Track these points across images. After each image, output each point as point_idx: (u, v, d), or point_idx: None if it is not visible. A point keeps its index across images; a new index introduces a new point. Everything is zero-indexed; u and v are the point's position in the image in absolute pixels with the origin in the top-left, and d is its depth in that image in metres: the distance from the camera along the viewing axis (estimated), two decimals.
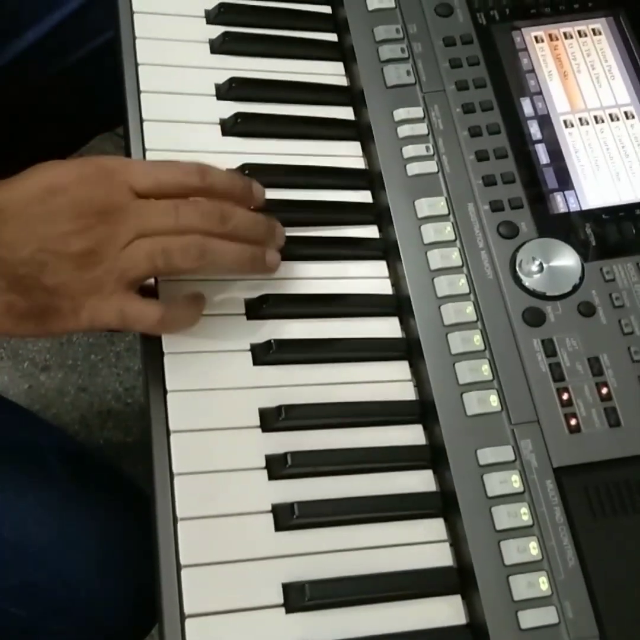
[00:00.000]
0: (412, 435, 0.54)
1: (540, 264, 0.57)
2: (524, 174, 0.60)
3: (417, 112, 0.62)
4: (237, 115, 0.62)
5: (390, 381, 0.56)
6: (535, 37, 0.65)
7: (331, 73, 0.67)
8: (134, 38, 0.63)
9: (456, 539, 0.51)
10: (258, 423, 0.53)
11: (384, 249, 0.60)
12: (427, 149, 0.61)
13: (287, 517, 0.50)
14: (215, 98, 0.63)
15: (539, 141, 0.62)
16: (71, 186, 0.50)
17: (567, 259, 0.57)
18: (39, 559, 0.58)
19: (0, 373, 1.27)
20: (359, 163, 0.63)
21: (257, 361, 0.55)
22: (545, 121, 0.62)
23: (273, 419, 0.53)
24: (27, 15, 0.73)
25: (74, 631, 0.60)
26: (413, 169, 0.61)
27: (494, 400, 0.53)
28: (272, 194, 0.60)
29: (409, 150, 0.61)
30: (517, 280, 0.57)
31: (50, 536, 0.58)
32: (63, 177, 0.51)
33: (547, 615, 0.49)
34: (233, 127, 0.62)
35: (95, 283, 0.50)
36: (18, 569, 0.58)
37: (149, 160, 0.56)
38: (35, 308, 0.49)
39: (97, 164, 0.52)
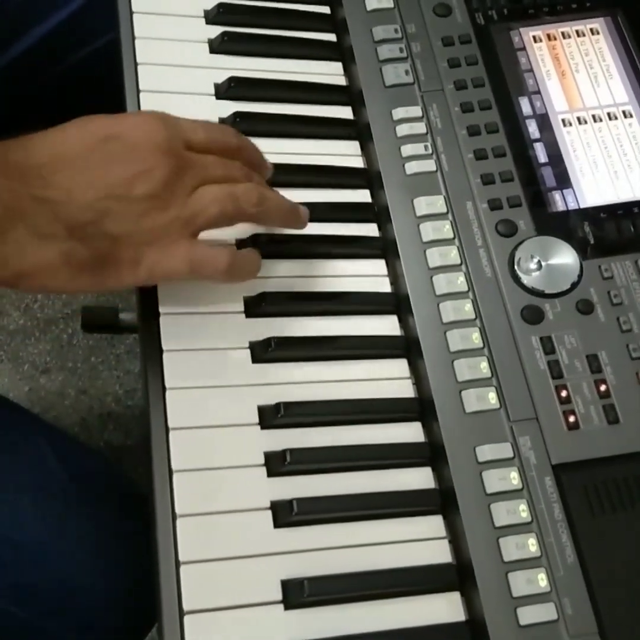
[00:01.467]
0: (411, 432, 0.55)
1: (539, 262, 0.57)
2: (523, 172, 0.60)
3: (416, 111, 0.63)
4: (236, 114, 0.62)
5: (389, 379, 0.56)
6: (534, 37, 0.65)
7: (330, 73, 0.67)
8: (134, 38, 0.64)
9: (455, 536, 0.51)
10: (257, 420, 0.53)
11: (383, 247, 0.61)
12: (426, 147, 0.61)
13: (286, 514, 0.50)
14: (214, 97, 0.64)
15: (537, 140, 0.62)
16: (127, 131, 0.50)
17: (565, 257, 0.57)
18: (38, 558, 0.58)
19: (1, 375, 1.27)
20: (358, 162, 0.64)
21: (256, 359, 0.55)
22: (543, 120, 0.63)
23: (272, 416, 0.53)
24: (28, 16, 0.74)
25: (73, 631, 0.59)
26: (412, 167, 0.61)
27: (492, 398, 0.54)
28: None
29: (407, 149, 0.61)
30: (516, 278, 0.57)
31: (49, 536, 0.58)
32: (116, 124, 0.50)
33: (546, 612, 0.48)
34: (232, 125, 0.62)
35: (160, 231, 0.49)
36: (17, 568, 0.58)
37: (190, 119, 0.56)
38: (96, 258, 0.48)
39: (148, 113, 0.52)
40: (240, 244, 0.58)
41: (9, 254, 0.47)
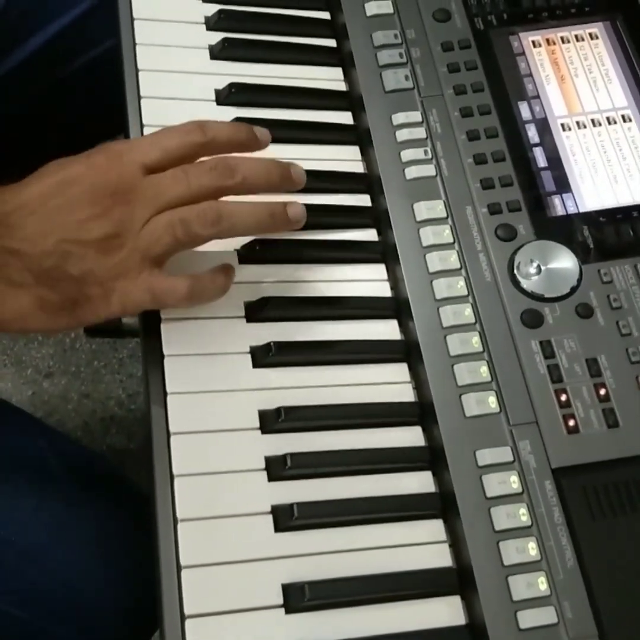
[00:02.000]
0: (411, 436, 0.55)
1: (538, 266, 0.57)
2: (522, 177, 0.60)
3: (416, 116, 0.63)
4: (237, 120, 0.62)
5: (389, 383, 0.56)
6: (533, 42, 0.66)
7: (330, 78, 0.67)
8: (135, 44, 0.64)
9: (455, 540, 0.52)
10: (258, 425, 0.53)
11: (383, 252, 0.61)
12: (426, 152, 0.62)
13: (286, 518, 0.50)
14: (215, 103, 0.64)
15: (536, 145, 0.62)
16: (84, 175, 0.51)
17: (565, 261, 0.58)
18: (41, 562, 0.58)
19: (4, 380, 1.27)
20: (358, 167, 0.64)
21: (256, 363, 0.55)
22: (542, 125, 0.63)
23: (273, 421, 0.53)
24: (31, 22, 0.74)
25: (75, 634, 0.60)
26: (411, 172, 0.61)
27: (492, 402, 0.54)
28: (272, 197, 0.60)
29: (407, 154, 0.62)
30: (515, 283, 0.57)
31: (52, 540, 0.59)
32: (75, 168, 0.52)
33: (546, 615, 0.49)
34: None
35: (121, 266, 0.50)
36: (20, 572, 0.58)
37: (149, 134, 0.57)
38: (66, 300, 0.50)
39: (105, 149, 0.53)
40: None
41: None
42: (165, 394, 0.53)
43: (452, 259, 0.58)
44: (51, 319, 0.51)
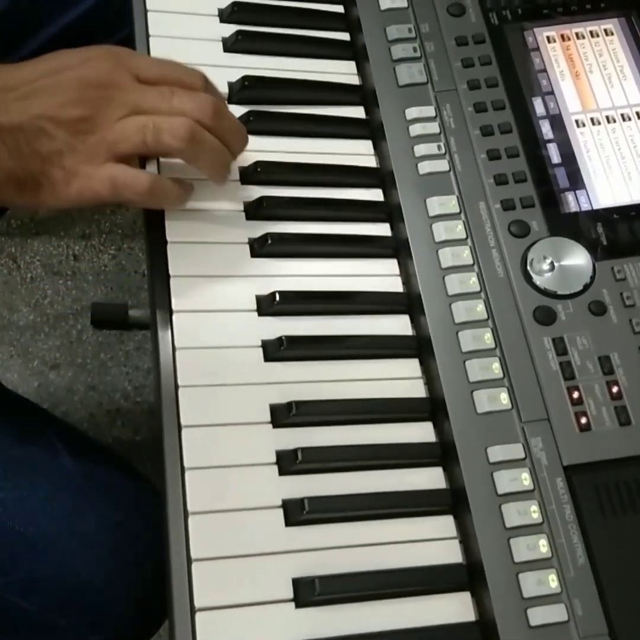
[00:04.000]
0: (422, 432, 0.55)
1: (552, 262, 0.57)
2: (536, 173, 0.60)
3: (429, 111, 0.63)
4: (250, 113, 0.62)
5: (401, 378, 0.56)
6: (548, 37, 0.65)
7: (343, 72, 0.67)
8: (148, 36, 0.64)
9: (466, 536, 0.52)
10: (269, 419, 0.53)
11: (395, 247, 0.61)
12: (439, 147, 0.61)
13: (297, 513, 0.50)
14: (227, 96, 0.64)
15: (550, 141, 0.62)
16: (77, 66, 0.53)
17: (578, 258, 0.57)
18: (50, 553, 0.58)
19: (10, 371, 1.28)
20: (371, 161, 0.64)
21: (268, 357, 0.55)
22: (557, 121, 0.62)
23: (284, 415, 0.53)
24: (42, 13, 0.74)
25: (84, 626, 0.60)
26: (424, 167, 0.61)
27: (504, 398, 0.54)
28: (284, 191, 0.60)
29: (420, 149, 0.61)
30: (528, 279, 0.57)
31: (60, 531, 0.59)
32: (72, 57, 0.54)
33: (556, 613, 0.49)
34: (246, 124, 0.61)
35: (87, 152, 0.52)
36: (29, 563, 0.58)
37: (155, 57, 0.59)
38: (31, 176, 0.52)
39: (106, 48, 0.55)
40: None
41: None
42: (176, 387, 0.53)
43: (464, 255, 0.58)
44: (17, 193, 0.52)
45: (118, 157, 0.52)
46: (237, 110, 0.63)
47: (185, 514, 0.49)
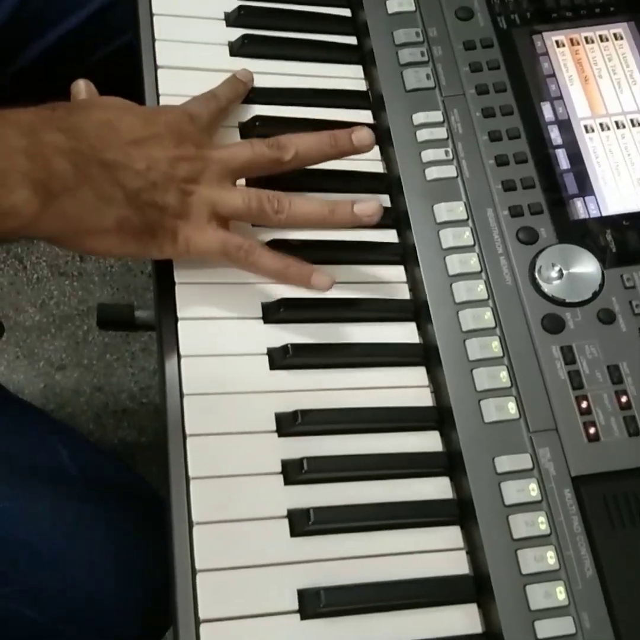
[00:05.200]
0: (429, 441, 0.54)
1: (560, 270, 0.56)
2: (544, 179, 0.60)
3: (437, 116, 0.62)
4: (256, 118, 0.62)
5: (408, 387, 0.56)
6: (556, 42, 0.65)
7: (350, 76, 0.66)
8: (154, 40, 0.63)
9: (473, 547, 0.51)
10: (274, 428, 0.53)
11: (402, 254, 0.60)
12: (446, 153, 0.61)
13: (302, 523, 0.50)
14: None
15: (559, 146, 0.61)
16: (162, 116, 0.55)
17: (587, 266, 0.57)
18: (53, 563, 0.58)
19: (16, 372, 1.28)
20: (378, 167, 0.63)
21: (274, 365, 0.54)
22: (565, 126, 0.62)
23: (289, 424, 0.53)
24: (49, 15, 0.74)
25: (87, 636, 0.59)
26: (432, 173, 0.60)
27: (512, 408, 0.53)
28: None
29: (428, 154, 0.61)
30: (537, 287, 0.56)
31: (64, 540, 0.58)
32: (151, 111, 0.56)
33: (564, 626, 0.48)
34: (252, 130, 0.62)
35: (191, 209, 0.53)
36: (32, 572, 0.58)
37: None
38: (146, 226, 0.52)
39: (171, 107, 0.57)
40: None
41: (73, 212, 0.50)
42: (181, 395, 0.52)
43: (472, 262, 0.57)
44: (123, 242, 0.52)
45: (220, 218, 0.55)
46: (244, 115, 0.62)
47: (190, 524, 0.49)
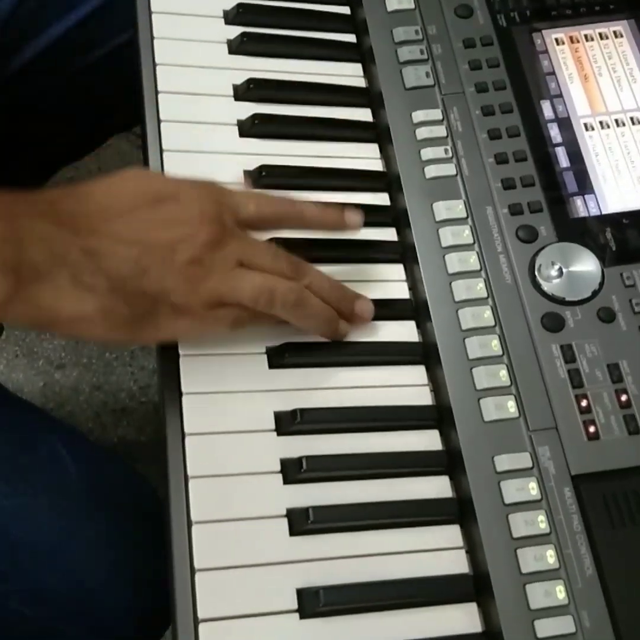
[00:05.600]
0: (428, 440, 0.54)
1: (560, 268, 0.56)
2: (544, 177, 0.60)
3: (436, 114, 0.62)
4: (255, 116, 0.62)
5: (407, 385, 0.56)
6: (556, 40, 0.65)
7: (349, 74, 0.66)
8: (152, 38, 0.63)
9: (472, 546, 0.51)
10: (273, 426, 0.52)
11: (402, 252, 0.60)
12: (446, 151, 0.61)
13: (301, 522, 0.50)
14: (233, 99, 0.63)
15: (559, 144, 0.61)
16: (180, 195, 0.50)
17: (586, 264, 0.57)
18: (52, 562, 0.58)
19: (16, 371, 1.27)
20: (377, 165, 0.63)
21: (272, 364, 0.54)
22: (565, 124, 0.62)
23: (289, 423, 0.52)
24: (47, 14, 0.73)
25: (87, 634, 0.59)
26: (431, 171, 0.60)
27: (511, 406, 0.53)
28: (290, 195, 0.60)
29: (427, 153, 0.61)
30: (536, 285, 0.56)
31: (63, 539, 0.58)
32: (171, 186, 0.51)
33: (564, 625, 0.48)
34: (251, 128, 0.61)
35: (196, 299, 0.49)
36: (31, 571, 0.57)
37: (246, 190, 0.56)
38: (134, 315, 0.48)
39: (207, 182, 0.52)
40: None
41: (47, 299, 0.47)
42: (180, 393, 0.52)
43: (471, 260, 0.57)
44: (110, 330, 0.48)
45: (223, 305, 0.50)
46: (242, 113, 0.62)
47: (189, 523, 0.49)
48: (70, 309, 0.47)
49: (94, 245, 0.47)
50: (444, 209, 0.59)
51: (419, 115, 0.62)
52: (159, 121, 0.60)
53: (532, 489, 0.51)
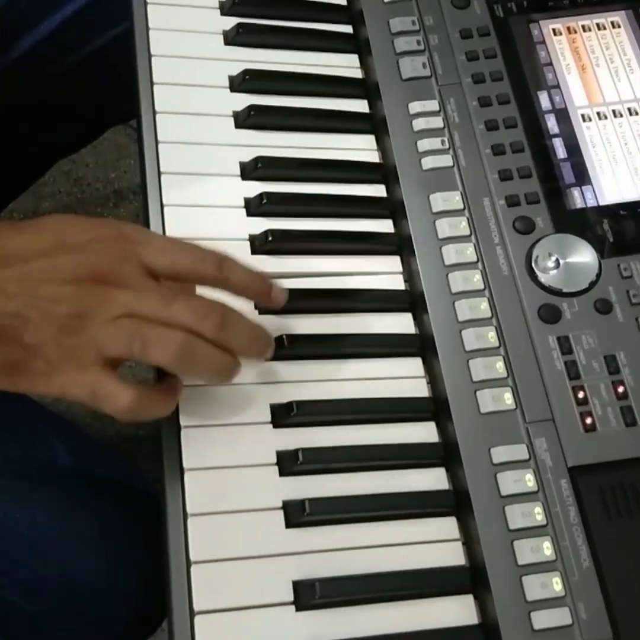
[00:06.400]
0: (424, 432, 0.54)
1: (557, 260, 0.56)
2: (541, 168, 0.59)
3: (433, 105, 0.62)
4: (251, 107, 0.61)
5: (403, 378, 0.55)
6: (553, 30, 0.64)
7: (346, 65, 0.66)
8: (148, 29, 0.63)
9: (469, 538, 0.51)
10: (269, 419, 0.52)
11: (398, 244, 0.60)
12: (443, 142, 0.60)
13: (297, 514, 0.50)
14: (228, 90, 0.63)
15: (556, 135, 0.61)
16: (82, 246, 0.48)
17: (583, 255, 0.57)
18: (48, 554, 0.58)
19: None
20: (374, 156, 0.63)
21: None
22: (562, 115, 0.61)
23: (285, 415, 0.52)
24: (41, 6, 0.73)
25: (82, 628, 0.59)
26: (428, 162, 0.60)
27: (508, 398, 0.53)
28: (285, 187, 0.60)
29: (424, 144, 0.60)
30: (533, 277, 0.56)
31: (59, 532, 0.58)
32: (77, 234, 0.49)
33: (560, 616, 0.48)
34: (246, 119, 0.61)
35: (74, 351, 0.47)
36: (27, 563, 0.57)
37: (169, 237, 0.54)
38: (8, 363, 0.48)
39: (117, 228, 0.49)
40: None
41: None
42: None
43: (468, 252, 0.57)
44: None
45: (108, 360, 0.47)
46: (238, 104, 0.62)
47: (185, 516, 0.49)
48: None
49: None
50: (440, 200, 0.59)
51: (415, 106, 0.62)
52: (154, 113, 0.60)
53: (529, 480, 0.51)
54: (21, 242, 0.48)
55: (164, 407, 0.50)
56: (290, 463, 0.51)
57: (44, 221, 0.50)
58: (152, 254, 0.49)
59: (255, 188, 0.59)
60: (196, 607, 0.47)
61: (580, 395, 0.53)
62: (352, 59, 0.66)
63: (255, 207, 0.58)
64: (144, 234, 0.51)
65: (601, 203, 0.59)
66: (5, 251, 0.48)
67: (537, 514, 0.50)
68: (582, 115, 0.62)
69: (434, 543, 0.51)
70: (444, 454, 0.53)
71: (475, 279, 0.56)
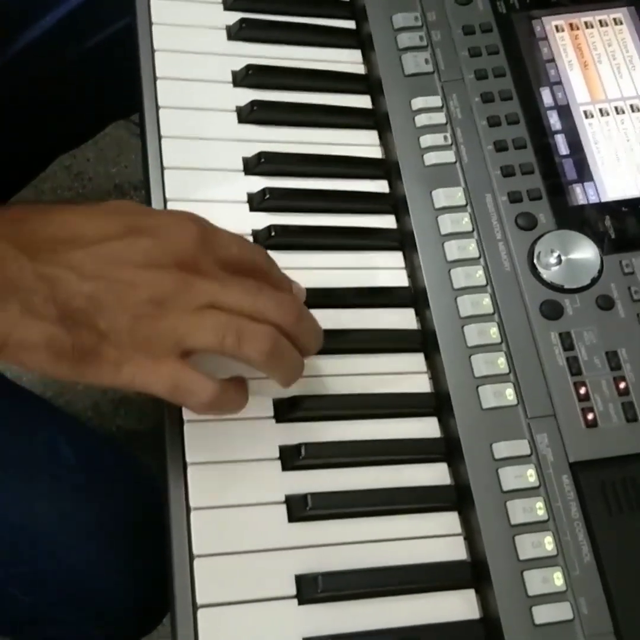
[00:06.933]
0: (426, 427, 0.54)
1: (559, 256, 0.56)
2: (543, 164, 0.59)
3: (435, 101, 0.62)
4: (254, 102, 0.61)
5: (405, 373, 0.56)
6: (556, 26, 0.64)
7: (349, 61, 0.66)
8: (151, 24, 0.63)
9: (470, 533, 0.51)
10: (272, 413, 0.52)
11: (400, 240, 0.60)
12: (445, 138, 0.61)
13: (300, 508, 0.50)
14: (231, 85, 0.63)
15: (558, 132, 0.61)
16: (161, 231, 0.47)
17: (585, 252, 0.57)
18: (48, 547, 0.58)
19: None
20: (376, 152, 0.63)
21: None
22: (565, 111, 0.62)
23: (287, 410, 0.52)
24: (42, 1, 0.73)
25: (85, 619, 0.60)
26: (430, 158, 0.60)
27: (510, 394, 0.53)
28: (288, 182, 0.60)
29: (426, 140, 0.61)
30: (535, 273, 0.56)
31: (60, 525, 0.58)
32: (152, 219, 0.48)
33: (561, 611, 0.48)
34: (249, 114, 0.61)
35: (150, 340, 0.45)
36: (27, 556, 0.58)
37: (229, 231, 0.52)
38: (79, 350, 0.45)
39: (193, 217, 0.48)
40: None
41: None
42: None
43: (470, 248, 0.57)
44: (53, 362, 0.45)
45: (184, 352, 0.46)
46: (241, 99, 0.62)
47: (188, 510, 0.49)
48: (17, 335, 0.45)
49: (50, 272, 0.45)
50: (443, 196, 0.59)
51: (418, 102, 0.62)
52: (157, 107, 0.60)
53: (530, 476, 0.51)
54: (90, 225, 0.46)
55: (241, 401, 0.49)
56: (292, 457, 0.51)
57: (108, 205, 0.48)
58: (225, 246, 0.48)
59: (258, 183, 0.59)
60: (199, 600, 0.47)
61: (582, 391, 0.53)
62: (355, 55, 0.66)
63: (258, 202, 0.59)
64: (212, 225, 0.50)
65: (603, 199, 0.59)
66: (75, 233, 0.46)
67: (539, 509, 0.50)
68: (585, 112, 0.62)
69: (435, 538, 0.51)
70: (445, 449, 0.53)
71: (478, 275, 0.56)
